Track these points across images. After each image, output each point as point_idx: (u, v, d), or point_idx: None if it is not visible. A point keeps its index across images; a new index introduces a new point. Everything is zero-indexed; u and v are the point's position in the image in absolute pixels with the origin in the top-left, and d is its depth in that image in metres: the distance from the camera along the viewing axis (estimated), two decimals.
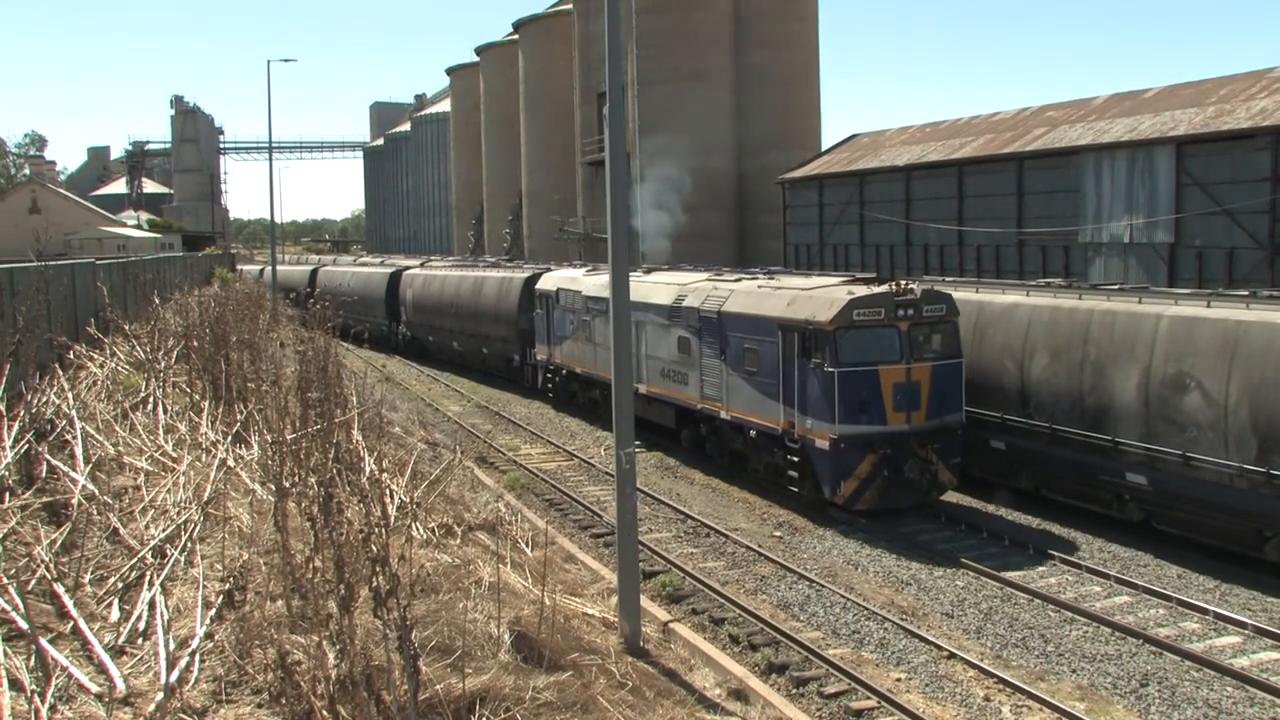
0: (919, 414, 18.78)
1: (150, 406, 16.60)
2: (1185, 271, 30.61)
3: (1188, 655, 13.38)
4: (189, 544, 10.34)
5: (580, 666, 9.94)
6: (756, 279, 24.18)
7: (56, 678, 7.39)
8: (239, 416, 15.73)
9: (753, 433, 21.33)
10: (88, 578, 9.67)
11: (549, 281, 33.16)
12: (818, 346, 18.90)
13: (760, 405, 20.80)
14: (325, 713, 7.47)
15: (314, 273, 61.82)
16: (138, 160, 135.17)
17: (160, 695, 7.26)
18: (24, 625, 7.98)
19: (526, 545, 14.88)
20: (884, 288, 19.51)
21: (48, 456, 12.61)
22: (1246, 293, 18.43)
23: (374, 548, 7.85)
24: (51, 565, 9.42)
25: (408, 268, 51.85)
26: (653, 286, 26.02)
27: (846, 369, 18.50)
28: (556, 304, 31.62)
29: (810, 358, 19.09)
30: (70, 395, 15.84)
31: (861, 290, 19.44)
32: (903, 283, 19.88)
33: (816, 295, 19.77)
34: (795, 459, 19.88)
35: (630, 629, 12.10)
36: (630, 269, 14.98)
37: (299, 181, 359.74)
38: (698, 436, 24.35)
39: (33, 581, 9.08)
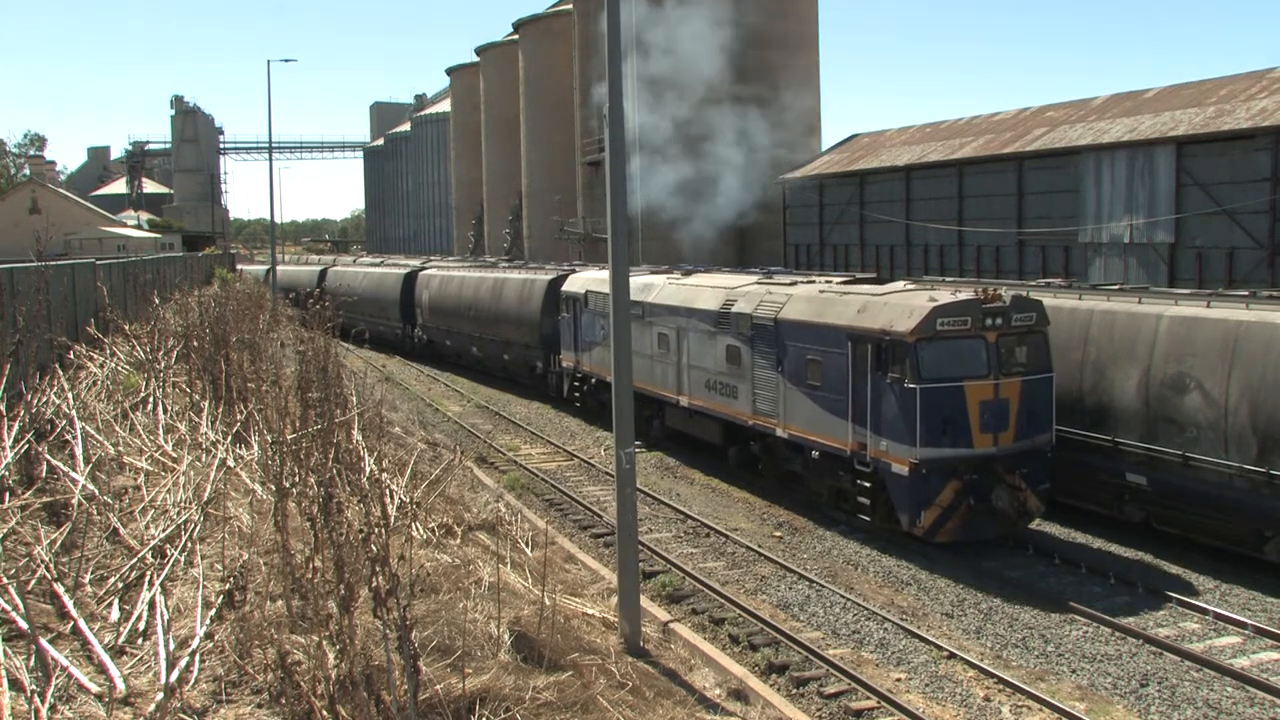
0: (1007, 435, 16.97)
1: (150, 406, 16.60)
2: (1185, 272, 30.62)
3: (1187, 655, 13.38)
4: (189, 544, 10.34)
5: (580, 666, 9.94)
6: (814, 283, 22.15)
7: (56, 678, 7.39)
8: (239, 416, 15.74)
9: (815, 453, 19.40)
10: (88, 578, 9.67)
11: (576, 284, 30.93)
12: (895, 359, 17.07)
13: (824, 423, 18.90)
14: (325, 713, 7.47)
15: (323, 273, 59.60)
16: (138, 160, 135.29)
17: (160, 695, 7.26)
18: (24, 625, 7.98)
19: (526, 545, 14.89)
20: (969, 293, 17.72)
21: (48, 456, 12.61)
22: (1246, 293, 18.43)
23: (374, 548, 7.85)
24: (51, 565, 9.43)
25: (423, 268, 49.29)
26: (695, 290, 24.16)
27: (929, 385, 16.65)
28: (585, 307, 29.51)
29: (886, 372, 17.24)
30: (70, 395, 15.85)
31: (945, 296, 17.58)
32: (990, 288, 17.94)
33: (892, 302, 18.00)
34: (866, 484, 18.06)
35: (630, 629, 12.10)
36: (631, 269, 14.78)
37: (299, 182, 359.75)
38: (748, 455, 22.45)
39: (33, 581, 9.08)
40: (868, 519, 18.29)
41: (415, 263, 55.43)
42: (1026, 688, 12.42)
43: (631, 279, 27.27)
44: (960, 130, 44.07)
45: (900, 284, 20.97)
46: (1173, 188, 31.05)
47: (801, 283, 22.08)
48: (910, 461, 16.84)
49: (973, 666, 13.12)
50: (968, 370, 16.92)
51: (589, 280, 29.99)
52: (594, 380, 29.70)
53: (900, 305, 17.65)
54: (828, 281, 22.26)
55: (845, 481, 18.79)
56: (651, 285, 26.05)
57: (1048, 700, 12.10)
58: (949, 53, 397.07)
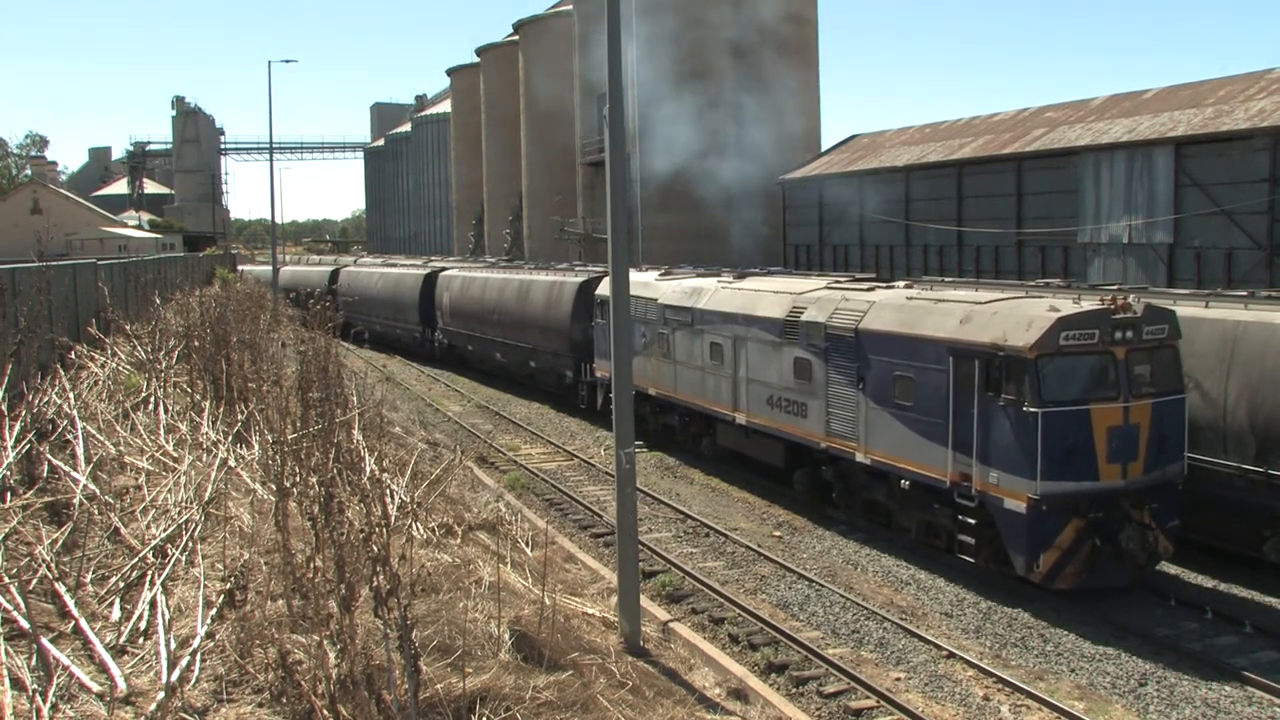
0: (1136, 465, 14.93)
1: (151, 406, 16.64)
2: (1184, 272, 30.64)
3: (1187, 655, 13.40)
4: (190, 544, 10.37)
5: (580, 666, 9.97)
6: (894, 288, 20.10)
7: (58, 677, 7.42)
8: (240, 416, 15.77)
9: (904, 483, 17.29)
10: (89, 577, 9.71)
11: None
12: (1010, 378, 15.05)
13: (916, 449, 16.80)
14: (326, 712, 7.50)
15: (335, 273, 57.12)
16: (139, 161, 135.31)
17: (161, 694, 7.28)
18: (25, 625, 8.01)
19: (527, 545, 14.92)
20: (1095, 301, 15.73)
21: (49, 456, 12.64)
22: (1245, 293, 18.44)
23: (374, 547, 7.88)
24: (53, 565, 9.46)
25: (445, 269, 46.57)
26: (754, 296, 22.01)
27: (1052, 409, 14.62)
28: None
29: (999, 392, 15.20)
30: (71, 395, 15.87)
31: (1069, 306, 15.50)
32: (1120, 296, 15.91)
33: (1004, 311, 15.86)
34: (970, 520, 15.96)
35: (630, 629, 12.13)
36: (631, 269, 14.59)
37: (299, 182, 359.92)
38: (818, 481, 20.14)
39: (34, 581, 9.11)
40: (970, 560, 16.14)
41: (435, 263, 52.73)
42: (1026, 687, 12.45)
43: (678, 282, 25.91)
44: (960, 131, 44.10)
45: (997, 292, 18.33)
46: (1171, 188, 31.08)
47: (881, 287, 20.02)
48: (1028, 497, 14.74)
49: (972, 666, 13.15)
50: (1095, 391, 14.95)
51: None
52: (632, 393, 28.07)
53: (1015, 316, 15.54)
54: (906, 285, 20.49)
55: (942, 516, 16.76)
56: (701, 290, 24.24)
57: (1047, 699, 12.12)
58: (949, 53, 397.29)
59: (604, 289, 28.01)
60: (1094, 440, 14.74)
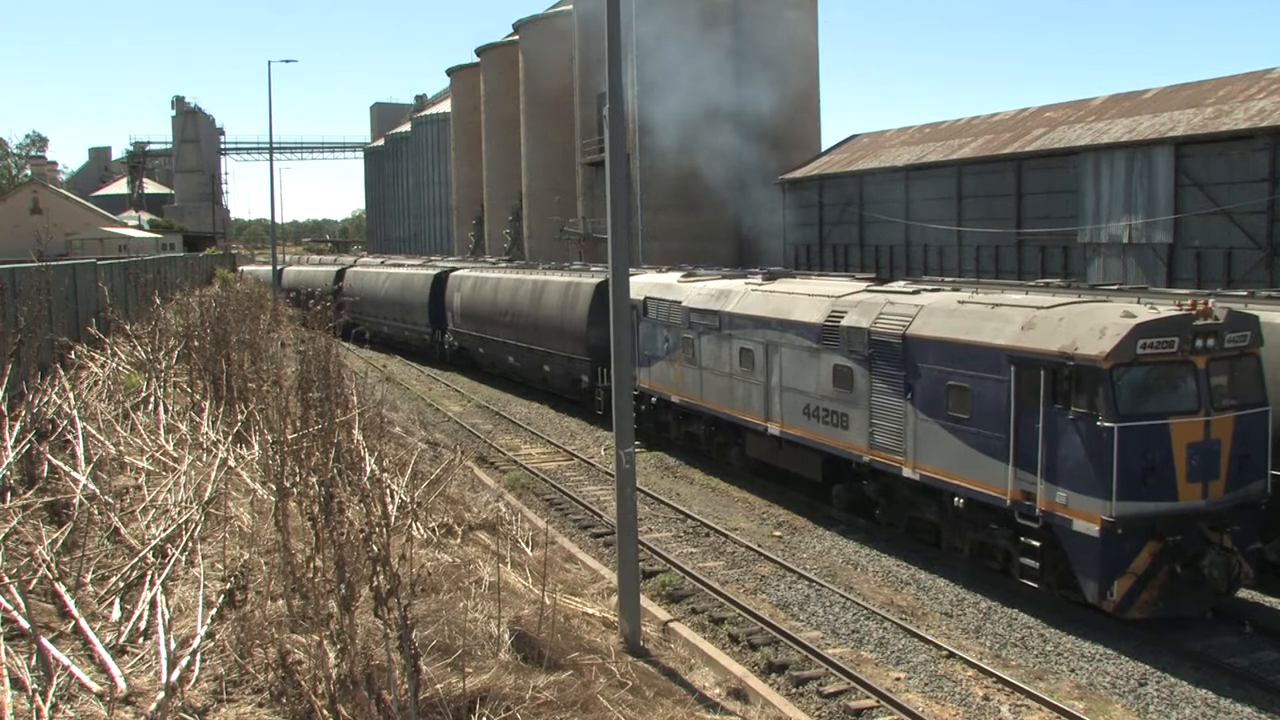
0: (1217, 484, 13.83)
1: (151, 406, 16.65)
2: (1184, 272, 30.68)
3: (1187, 655, 13.41)
4: (190, 543, 10.37)
5: (580, 666, 9.98)
6: (940, 291, 18.91)
7: (58, 677, 7.43)
8: (240, 416, 15.78)
9: (958, 501, 16.15)
10: (89, 577, 9.71)
11: (632, 289, 27.34)
12: (1081, 389, 13.92)
13: (972, 464, 15.72)
14: (326, 712, 7.50)
15: (341, 273, 55.97)
16: (139, 161, 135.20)
17: (161, 694, 7.28)
18: (25, 624, 8.01)
19: (527, 545, 14.93)
20: (1173, 307, 14.57)
21: (49, 456, 12.65)
22: (1245, 293, 18.45)
23: (374, 547, 7.88)
24: (53, 565, 9.46)
25: (455, 269, 45.27)
26: (788, 299, 20.88)
27: (1129, 423, 13.51)
28: (644, 316, 26.06)
29: (1068, 405, 14.07)
30: (71, 395, 15.88)
31: (1145, 311, 14.32)
32: (1201, 300, 14.63)
33: (1072, 317, 14.68)
34: (1033, 542, 14.89)
35: (630, 628, 12.13)
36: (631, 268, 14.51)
37: (299, 182, 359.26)
38: (859, 496, 19.09)
39: (34, 581, 9.12)
40: (1032, 584, 15.07)
41: (445, 263, 51.70)
42: (1025, 687, 12.45)
43: (703, 284, 25.09)
44: (959, 131, 44.12)
45: (1059, 295, 17.18)
46: (1171, 188, 31.11)
47: (926, 290, 18.87)
48: (1102, 518, 13.61)
49: (972, 665, 13.15)
50: (1174, 404, 13.86)
51: (648, 285, 26.63)
52: (654, 400, 26.14)
53: (1086, 322, 14.39)
54: (954, 289, 19.37)
55: (1000, 537, 15.71)
56: (729, 293, 23.18)
57: (1046, 699, 12.13)
58: (949, 53, 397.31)
59: None
60: (1173, 457, 13.65)
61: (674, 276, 27.31)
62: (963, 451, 15.91)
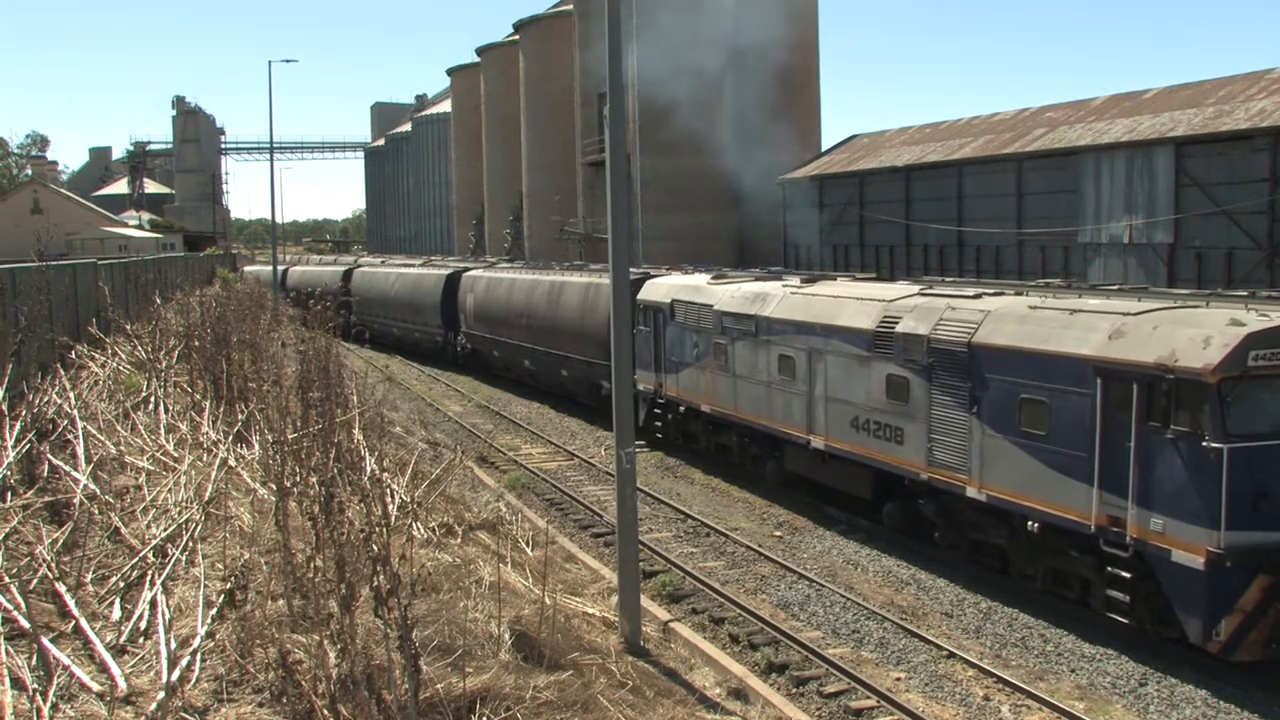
0: None
1: (151, 406, 16.66)
2: (1184, 272, 30.67)
3: (1187, 655, 13.39)
4: (190, 543, 10.37)
5: (580, 666, 9.98)
6: (1004, 294, 17.68)
7: (58, 676, 7.43)
8: (240, 416, 15.79)
9: (1032, 525, 14.79)
10: (89, 577, 9.72)
11: (658, 291, 25.74)
12: (1183, 405, 12.52)
13: (1049, 486, 14.33)
14: (326, 712, 7.50)
15: (348, 273, 55.02)
16: (139, 161, 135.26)
17: (162, 694, 7.29)
18: (26, 624, 8.02)
19: (527, 545, 14.93)
20: None
21: (49, 456, 12.66)
22: (1245, 293, 18.43)
23: (375, 547, 7.88)
24: (53, 564, 9.47)
25: (468, 269, 43.65)
26: (834, 303, 19.47)
27: (1240, 444, 12.13)
28: (670, 320, 24.74)
29: (1166, 423, 12.67)
30: (72, 395, 15.89)
31: (1254, 319, 12.78)
32: None
33: (1169, 325, 13.30)
34: (1122, 573, 13.48)
35: (630, 628, 12.14)
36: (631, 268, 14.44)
37: (300, 182, 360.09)
38: (913, 515, 17.74)
39: (35, 581, 9.12)
40: (1121, 619, 13.67)
41: (460, 263, 49.90)
42: (1026, 687, 12.44)
43: (736, 287, 23.85)
44: (960, 130, 44.11)
45: (1147, 301, 15.52)
46: (1172, 188, 31.10)
47: (988, 294, 17.44)
48: (1208, 549, 12.21)
49: (972, 666, 13.14)
50: None
51: (676, 287, 25.23)
52: (682, 408, 24.88)
53: (1186, 330, 13.00)
54: (1017, 293, 18.09)
55: (1082, 565, 14.41)
56: (766, 295, 21.74)
57: (1047, 699, 12.12)
58: (949, 53, 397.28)
59: (649, 293, 26.14)
60: None
61: (703, 278, 25.83)
62: (1038, 471, 14.52)
